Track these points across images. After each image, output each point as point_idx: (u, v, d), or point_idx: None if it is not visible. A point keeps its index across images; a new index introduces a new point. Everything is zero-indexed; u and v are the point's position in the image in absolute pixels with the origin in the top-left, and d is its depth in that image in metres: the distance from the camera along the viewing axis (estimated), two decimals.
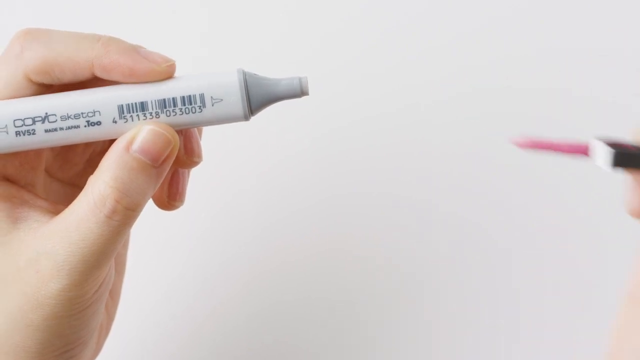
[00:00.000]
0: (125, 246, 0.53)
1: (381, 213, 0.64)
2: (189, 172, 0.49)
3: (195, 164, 0.47)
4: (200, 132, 0.48)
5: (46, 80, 0.45)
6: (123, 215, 0.43)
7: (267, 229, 0.64)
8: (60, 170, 0.49)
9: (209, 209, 0.65)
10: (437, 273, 0.64)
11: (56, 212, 0.45)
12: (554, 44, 0.66)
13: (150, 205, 0.52)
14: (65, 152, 0.49)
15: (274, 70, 0.49)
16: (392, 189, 0.65)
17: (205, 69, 0.50)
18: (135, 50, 0.44)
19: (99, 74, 0.44)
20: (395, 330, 0.63)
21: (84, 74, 0.44)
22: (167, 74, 0.44)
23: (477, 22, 0.66)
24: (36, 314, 0.44)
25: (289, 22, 0.68)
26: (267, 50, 0.67)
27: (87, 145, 0.49)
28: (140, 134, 0.44)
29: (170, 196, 0.48)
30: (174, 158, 0.44)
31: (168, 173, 0.48)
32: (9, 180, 0.46)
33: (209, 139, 0.53)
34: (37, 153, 0.47)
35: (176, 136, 0.44)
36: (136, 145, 0.44)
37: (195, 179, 0.56)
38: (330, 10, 0.67)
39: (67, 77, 0.44)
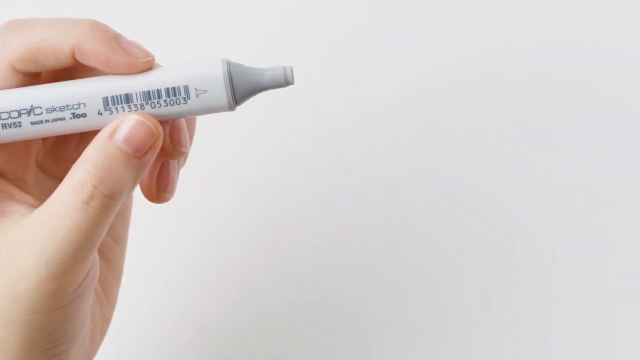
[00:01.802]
0: (122, 248, 0.53)
1: (379, 205, 0.64)
2: (179, 165, 0.48)
3: (181, 154, 0.47)
4: (193, 125, 0.49)
5: (31, 68, 0.45)
6: (101, 202, 0.43)
7: (264, 225, 0.65)
8: (53, 166, 0.49)
9: (204, 208, 0.65)
10: (442, 260, 0.64)
11: None
12: (554, 36, 0.65)
13: (144, 206, 0.52)
14: (57, 148, 0.49)
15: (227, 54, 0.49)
16: (388, 178, 0.65)
17: (169, 59, 0.50)
18: (116, 39, 0.44)
19: (78, 59, 0.44)
20: (395, 329, 0.63)
21: (66, 60, 0.44)
22: (143, 69, 0.44)
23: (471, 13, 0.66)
24: (17, 308, 0.44)
25: (289, 21, 0.68)
26: (267, 50, 0.67)
27: (80, 140, 0.49)
28: (124, 124, 0.44)
29: (159, 188, 0.48)
30: (157, 150, 0.44)
31: (156, 164, 0.47)
32: None
33: (199, 135, 0.53)
34: (26, 148, 0.47)
35: (160, 128, 0.44)
36: (119, 135, 0.44)
37: (189, 176, 0.56)
38: (332, 11, 0.67)
39: (51, 64, 0.44)
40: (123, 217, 0.52)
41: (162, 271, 0.64)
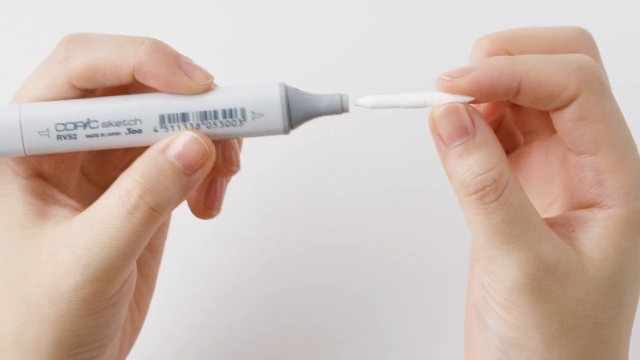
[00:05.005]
0: (157, 261, 0.53)
1: (395, 210, 0.65)
2: (227, 182, 0.49)
3: (232, 173, 0.47)
4: (240, 143, 0.49)
5: (89, 85, 0.45)
6: (144, 213, 0.43)
7: (274, 236, 0.65)
8: (97, 173, 0.50)
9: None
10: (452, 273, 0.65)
11: None
12: None
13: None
14: (103, 156, 0.49)
15: (283, 77, 0.49)
16: (408, 193, 0.65)
17: (226, 80, 0.50)
18: (176, 61, 0.44)
19: (138, 79, 0.44)
20: (397, 331, 0.64)
21: (126, 79, 0.44)
22: (202, 91, 0.44)
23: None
24: (51, 309, 0.44)
25: (289, 22, 0.68)
26: (266, 48, 0.67)
27: (127, 150, 0.49)
28: (178, 139, 0.44)
29: (207, 204, 0.48)
30: (207, 170, 0.45)
31: (206, 181, 0.48)
32: (43, 177, 0.46)
33: None
34: (73, 154, 0.47)
35: (213, 149, 0.44)
36: (172, 150, 0.44)
37: None
38: (331, 11, 0.68)
39: (110, 82, 0.45)
40: (161, 231, 0.53)
41: (176, 278, 0.64)
